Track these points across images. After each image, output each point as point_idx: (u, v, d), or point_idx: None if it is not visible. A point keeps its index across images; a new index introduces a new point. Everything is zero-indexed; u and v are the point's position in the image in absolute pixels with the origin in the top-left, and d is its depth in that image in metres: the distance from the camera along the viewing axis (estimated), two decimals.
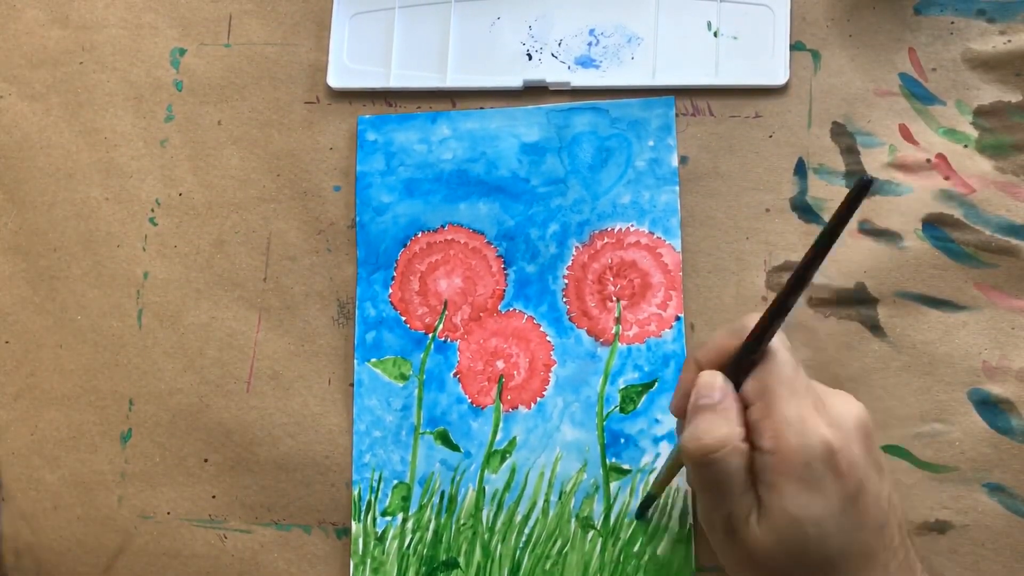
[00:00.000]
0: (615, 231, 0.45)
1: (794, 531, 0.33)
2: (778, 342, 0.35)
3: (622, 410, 0.44)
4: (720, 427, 0.34)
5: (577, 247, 0.45)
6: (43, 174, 0.49)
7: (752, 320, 0.34)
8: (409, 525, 0.44)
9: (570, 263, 0.45)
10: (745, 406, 0.35)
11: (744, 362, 0.35)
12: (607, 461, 0.43)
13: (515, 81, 0.46)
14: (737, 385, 0.35)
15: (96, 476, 0.47)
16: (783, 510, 0.33)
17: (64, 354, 0.48)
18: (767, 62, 0.45)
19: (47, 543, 0.46)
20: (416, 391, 0.45)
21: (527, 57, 0.46)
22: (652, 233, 0.45)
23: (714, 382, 0.35)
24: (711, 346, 0.36)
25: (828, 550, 0.33)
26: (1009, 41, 0.43)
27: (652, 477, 0.43)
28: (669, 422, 0.43)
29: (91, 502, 0.46)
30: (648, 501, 0.42)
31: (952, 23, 0.44)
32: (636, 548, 0.43)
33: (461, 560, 0.44)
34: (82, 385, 0.47)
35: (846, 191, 0.43)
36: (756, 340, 0.34)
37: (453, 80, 0.47)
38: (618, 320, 0.44)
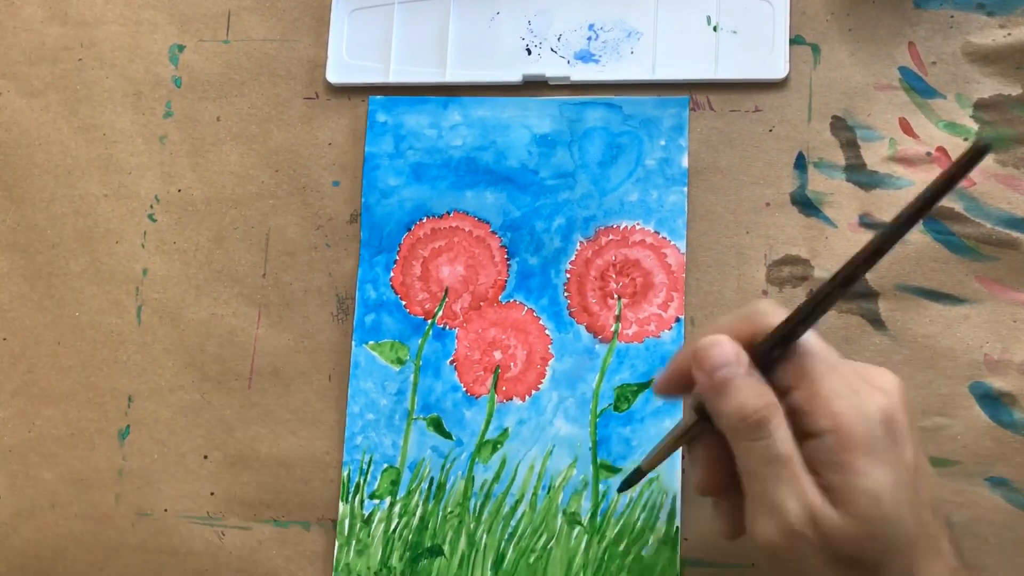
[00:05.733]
0: (620, 228, 0.47)
1: (875, 510, 0.32)
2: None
3: (616, 408, 0.45)
4: (763, 392, 0.33)
5: (581, 242, 0.47)
6: (42, 170, 0.51)
7: (764, 307, 0.34)
8: (396, 509, 0.46)
9: (573, 258, 0.47)
10: (782, 395, 0.34)
11: (770, 357, 0.34)
12: (598, 458, 0.45)
13: (514, 76, 0.48)
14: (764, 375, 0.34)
15: (94, 473, 0.49)
16: (860, 489, 0.32)
17: (62, 351, 0.50)
18: (767, 56, 0.47)
19: (45, 541, 0.48)
20: (412, 376, 0.47)
21: (526, 52, 0.49)
22: (658, 233, 0.47)
23: (730, 351, 0.34)
24: (722, 327, 0.35)
25: (906, 527, 0.33)
26: (1009, 34, 0.45)
27: (647, 454, 0.43)
28: (662, 424, 0.45)
29: (89, 499, 0.48)
30: (635, 476, 0.42)
31: (952, 17, 0.46)
32: (621, 547, 0.44)
33: (446, 548, 0.46)
34: (80, 382, 0.49)
35: (847, 184, 0.45)
36: (785, 336, 0.33)
37: (452, 75, 0.49)
38: (618, 318, 0.46)
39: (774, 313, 0.34)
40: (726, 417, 0.34)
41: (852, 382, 0.33)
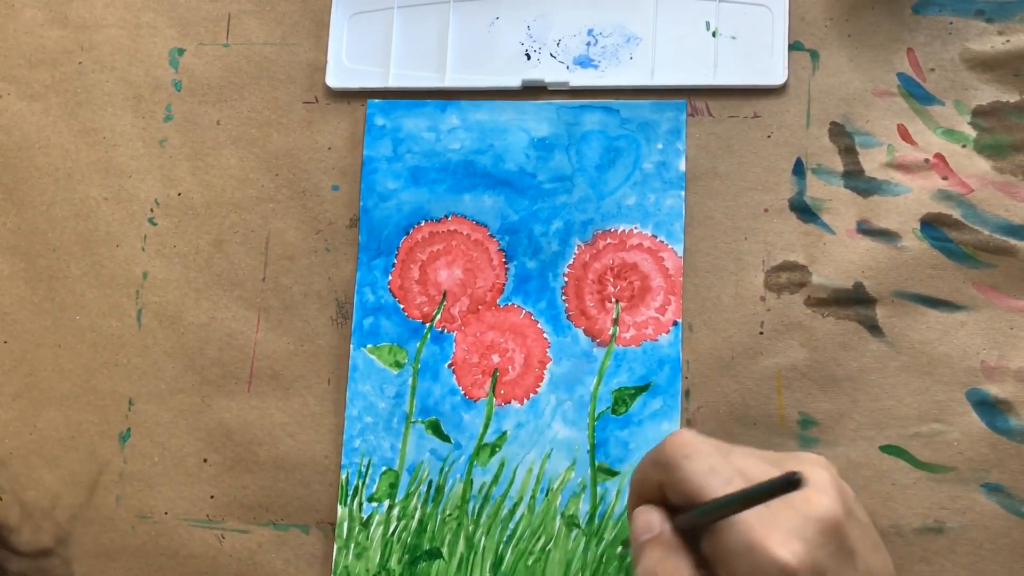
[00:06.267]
0: (618, 232, 0.47)
1: None
2: (701, 467, 0.35)
3: (614, 412, 0.46)
4: (669, 560, 0.34)
5: (579, 246, 0.48)
6: (42, 174, 0.52)
7: (672, 454, 0.35)
8: (395, 512, 0.47)
9: (571, 261, 0.47)
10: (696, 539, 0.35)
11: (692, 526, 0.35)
12: (596, 461, 0.46)
13: (513, 81, 0.49)
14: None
15: (94, 476, 0.49)
16: None
17: (63, 354, 0.50)
18: (765, 62, 0.47)
19: (45, 543, 0.49)
20: (410, 379, 0.47)
21: (525, 57, 0.49)
22: (655, 236, 0.47)
23: (651, 519, 0.36)
24: (642, 481, 0.37)
25: None
26: (1008, 41, 0.45)
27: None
28: (659, 427, 0.45)
29: (89, 502, 0.49)
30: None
31: (951, 23, 0.46)
32: (619, 550, 0.45)
33: (444, 551, 0.46)
34: (81, 385, 0.50)
35: (844, 191, 0.46)
36: (698, 523, 0.35)
37: (452, 80, 0.49)
38: (616, 321, 0.47)
39: (680, 466, 0.35)
40: None
41: (752, 535, 0.33)
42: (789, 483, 0.30)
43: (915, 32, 0.46)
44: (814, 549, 0.32)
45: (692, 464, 0.35)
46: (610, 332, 0.47)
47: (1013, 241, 0.44)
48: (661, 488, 0.36)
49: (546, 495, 0.46)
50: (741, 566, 0.33)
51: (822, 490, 0.34)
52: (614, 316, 0.47)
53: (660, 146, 0.47)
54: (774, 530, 0.32)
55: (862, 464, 0.44)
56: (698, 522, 0.35)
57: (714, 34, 0.48)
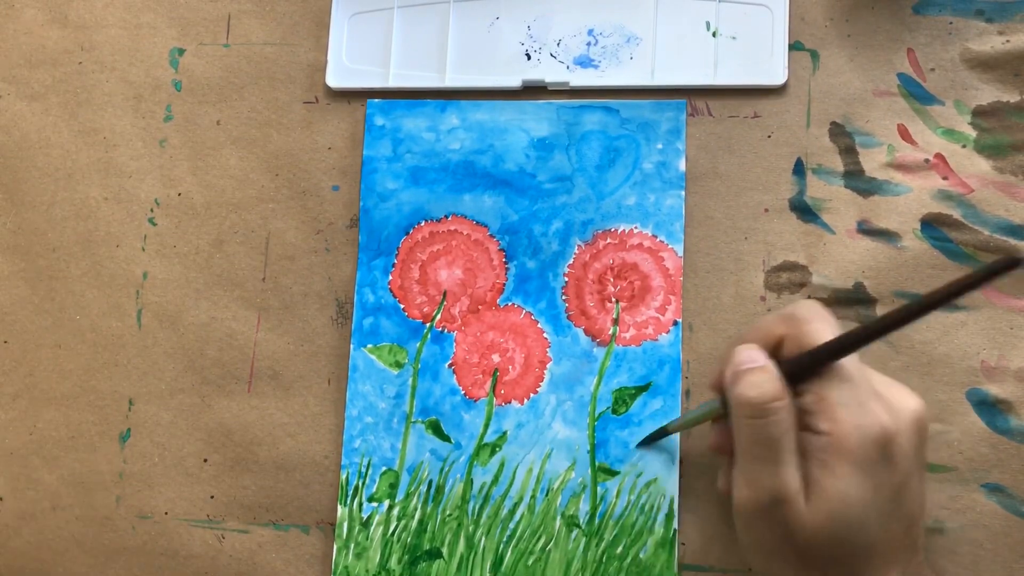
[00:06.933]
0: (618, 232, 0.47)
1: (842, 512, 0.35)
2: (829, 330, 0.37)
3: (614, 411, 0.46)
4: (774, 382, 0.37)
5: (579, 246, 0.48)
6: (42, 174, 0.52)
7: (804, 313, 0.38)
8: (395, 512, 0.47)
9: (571, 261, 0.48)
10: (798, 395, 0.37)
11: (802, 368, 0.37)
12: (596, 461, 0.46)
13: (514, 81, 0.49)
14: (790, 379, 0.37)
15: (95, 476, 0.49)
16: (835, 490, 0.35)
17: (63, 354, 0.50)
18: (766, 62, 0.47)
19: (46, 542, 0.49)
20: (410, 379, 0.47)
21: (526, 57, 0.49)
22: (655, 236, 0.47)
23: (755, 354, 0.38)
24: (759, 330, 0.39)
25: (867, 536, 0.36)
26: (1008, 41, 0.45)
27: (673, 420, 0.45)
28: (659, 426, 0.45)
29: (89, 502, 0.49)
30: (659, 434, 0.45)
31: (951, 23, 0.46)
32: (619, 550, 0.45)
33: (444, 550, 0.46)
34: (81, 385, 0.50)
35: (845, 191, 0.46)
36: (810, 365, 0.37)
37: (452, 80, 0.49)
38: (616, 321, 0.47)
39: (812, 320, 0.38)
40: (736, 397, 0.37)
41: (863, 396, 0.36)
42: (1014, 261, 0.32)
43: (915, 32, 0.47)
44: (907, 434, 0.36)
45: (821, 325, 0.38)
46: (610, 332, 0.47)
47: (1013, 241, 0.44)
48: (779, 342, 0.39)
49: (546, 495, 0.46)
50: (847, 417, 0.36)
51: (916, 400, 0.38)
52: (614, 316, 0.47)
53: (660, 146, 0.47)
54: (881, 402, 0.36)
55: None
56: (816, 360, 0.37)
57: (714, 34, 0.48)
